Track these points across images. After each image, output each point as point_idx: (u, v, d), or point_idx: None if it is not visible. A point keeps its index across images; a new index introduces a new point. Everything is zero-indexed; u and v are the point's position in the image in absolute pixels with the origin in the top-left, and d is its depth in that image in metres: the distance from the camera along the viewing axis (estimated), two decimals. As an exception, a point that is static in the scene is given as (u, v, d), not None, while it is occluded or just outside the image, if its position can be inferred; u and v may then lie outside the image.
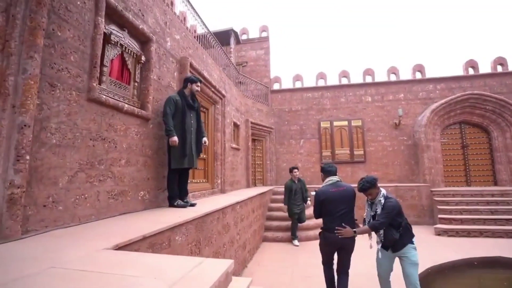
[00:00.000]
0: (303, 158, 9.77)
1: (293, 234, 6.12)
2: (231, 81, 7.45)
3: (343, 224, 2.89)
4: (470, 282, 4.34)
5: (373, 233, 2.97)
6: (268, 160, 9.57)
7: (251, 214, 5.31)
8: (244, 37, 10.85)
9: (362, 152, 9.29)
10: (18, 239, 1.68)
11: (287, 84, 10.56)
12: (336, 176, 3.14)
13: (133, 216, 2.67)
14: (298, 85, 10.30)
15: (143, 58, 3.29)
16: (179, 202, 3.35)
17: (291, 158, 9.82)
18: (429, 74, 9.39)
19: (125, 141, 2.89)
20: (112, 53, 2.86)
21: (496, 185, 8.40)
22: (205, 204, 3.75)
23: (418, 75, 9.46)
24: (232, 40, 9.33)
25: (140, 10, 3.26)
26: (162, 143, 3.54)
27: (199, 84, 3.73)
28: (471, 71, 9.20)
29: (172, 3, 6.76)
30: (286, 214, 6.26)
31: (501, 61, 9.01)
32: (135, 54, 3.20)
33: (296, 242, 6.00)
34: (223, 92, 6.00)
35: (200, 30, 6.48)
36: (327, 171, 3.18)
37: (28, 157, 1.77)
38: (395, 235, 2.72)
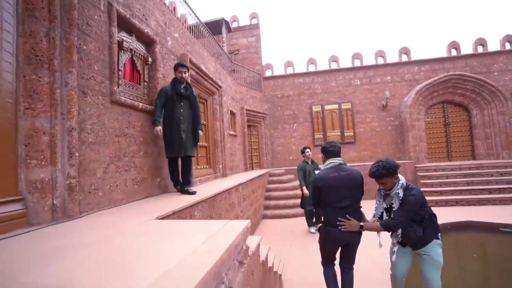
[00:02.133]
0: (296, 141, 10.30)
1: (308, 222, 5.67)
2: (225, 70, 7.77)
3: (347, 216, 2.36)
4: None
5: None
6: (264, 145, 10.08)
7: (251, 195, 5.87)
8: (234, 24, 10.99)
9: (352, 134, 9.86)
10: (78, 218, 2.16)
11: (279, 70, 10.93)
12: (339, 158, 2.56)
13: (154, 199, 3.16)
14: (289, 71, 10.64)
15: (149, 59, 3.65)
16: (178, 187, 3.57)
17: (285, 142, 10.35)
18: (414, 57, 9.86)
19: (142, 135, 3.32)
20: (124, 57, 3.22)
21: (474, 159, 9.14)
22: (211, 187, 4.25)
23: (404, 58, 9.90)
24: (224, 30, 9.51)
25: (143, 14, 3.57)
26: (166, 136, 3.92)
27: (182, 69, 3.52)
28: (453, 52, 9.67)
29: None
30: (282, 193, 6.83)
31: (481, 42, 9.48)
32: (142, 56, 3.56)
33: (312, 229, 5.51)
34: (219, 83, 6.36)
35: (191, 20, 6.71)
36: (328, 152, 2.60)
37: (77, 154, 2.21)
38: (418, 232, 2.17)
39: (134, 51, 3.39)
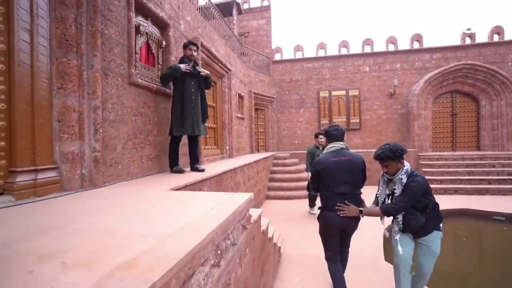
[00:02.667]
0: (302, 126, 10.46)
1: (310, 204, 5.78)
2: (235, 53, 7.85)
3: (346, 201, 2.34)
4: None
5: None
6: (270, 128, 10.28)
7: (256, 175, 6.17)
8: (245, 6, 10.87)
9: (358, 120, 9.95)
10: (102, 186, 2.46)
11: (288, 54, 10.87)
12: (341, 142, 2.50)
13: (166, 175, 3.45)
14: (298, 55, 10.61)
15: (164, 43, 3.83)
16: (178, 168, 3.55)
17: (292, 126, 10.52)
18: (427, 44, 9.66)
19: (156, 115, 3.57)
20: (140, 41, 3.41)
21: (479, 150, 9.19)
22: (218, 166, 4.53)
23: (416, 45, 9.73)
24: (234, 11, 9.45)
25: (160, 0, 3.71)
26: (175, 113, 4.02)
27: (192, 47, 3.59)
28: (468, 41, 9.45)
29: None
30: (286, 175, 7.12)
31: (498, 30, 9.22)
32: (157, 40, 3.74)
33: (312, 210, 5.70)
34: (229, 66, 6.49)
35: (202, 1, 6.75)
36: (330, 135, 2.55)
37: (101, 130, 2.48)
38: (420, 220, 2.14)
39: (150, 35, 3.57)
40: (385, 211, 2.24)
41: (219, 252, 1.28)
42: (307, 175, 5.37)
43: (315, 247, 3.86)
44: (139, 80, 3.19)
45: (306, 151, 5.65)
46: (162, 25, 3.84)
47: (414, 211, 2.17)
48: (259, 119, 10.02)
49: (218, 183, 3.65)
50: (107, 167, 2.66)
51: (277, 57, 10.79)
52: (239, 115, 7.63)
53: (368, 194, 2.79)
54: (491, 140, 9.03)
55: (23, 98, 1.99)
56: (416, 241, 2.28)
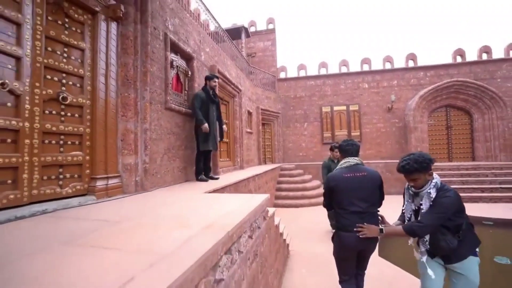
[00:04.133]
0: (306, 139, 11.13)
1: (331, 223, 5.09)
2: (244, 73, 8.66)
3: (365, 224, 2.12)
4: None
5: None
6: (276, 141, 10.97)
7: (265, 185, 6.80)
8: (252, 29, 11.83)
9: (358, 133, 10.59)
10: (149, 191, 3.14)
11: (292, 73, 11.70)
12: (356, 158, 2.35)
13: (193, 183, 4.12)
14: (302, 73, 11.42)
15: (189, 72, 4.60)
16: (202, 177, 4.20)
17: (296, 139, 11.20)
18: (421, 62, 10.42)
19: (183, 133, 4.29)
20: (172, 73, 4.18)
21: (474, 161, 9.71)
22: (232, 176, 5.19)
23: (411, 63, 10.48)
24: (243, 35, 10.38)
25: (186, 37, 4.51)
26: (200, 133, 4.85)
27: (215, 79, 4.43)
28: (459, 59, 10.18)
29: (188, 3, 7.80)
30: (292, 185, 7.70)
31: (486, 50, 9.94)
32: (184, 70, 4.51)
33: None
34: (240, 86, 7.27)
35: (212, 27, 7.60)
36: (344, 151, 2.40)
37: (149, 147, 3.19)
38: (451, 242, 1.83)
39: (179, 67, 4.34)
40: (409, 231, 1.92)
41: (252, 229, 1.94)
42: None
43: (320, 247, 4.45)
44: (172, 105, 3.93)
45: (310, 163, 6.30)
46: (188, 58, 4.62)
47: (445, 231, 1.86)
48: (266, 133, 10.73)
49: (235, 189, 4.31)
50: (150, 176, 3.35)
51: (282, 75, 11.62)
52: (248, 130, 8.35)
53: (385, 208, 2.49)
54: (485, 151, 9.57)
55: (101, 124, 2.72)
56: (449, 268, 1.94)
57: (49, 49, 2.32)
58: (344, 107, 10.74)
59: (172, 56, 4.14)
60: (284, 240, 3.78)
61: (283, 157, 11.14)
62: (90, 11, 2.71)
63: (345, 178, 2.24)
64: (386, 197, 2.44)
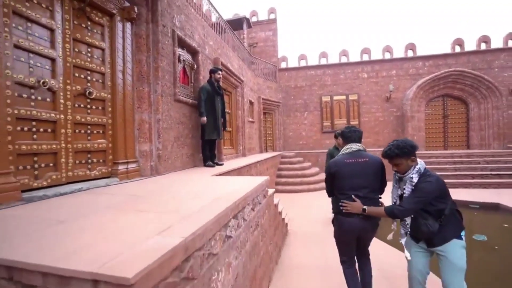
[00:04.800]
0: (306, 128, 11.46)
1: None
2: (245, 64, 8.90)
3: (353, 196, 2.18)
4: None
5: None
6: (277, 130, 11.31)
7: (266, 171, 7.21)
8: (254, 19, 11.94)
9: (357, 122, 10.89)
10: (162, 175, 3.54)
11: (293, 62, 11.92)
12: (359, 144, 2.35)
13: (199, 168, 4.52)
14: (302, 63, 11.62)
15: (195, 66, 4.91)
16: (209, 162, 4.58)
17: (296, 128, 11.53)
18: (420, 52, 10.56)
19: (191, 123, 4.65)
20: (179, 67, 4.49)
21: (469, 149, 10.04)
22: (235, 163, 5.58)
23: (410, 53, 10.64)
24: (245, 26, 10.52)
25: (191, 32, 4.79)
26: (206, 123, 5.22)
27: (219, 72, 4.73)
28: (457, 49, 10.32)
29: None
30: (292, 172, 8.10)
31: (485, 39, 10.07)
32: (190, 64, 4.82)
33: None
34: (242, 77, 7.56)
35: (214, 18, 7.81)
36: (346, 137, 2.41)
37: (162, 135, 3.56)
38: (431, 226, 1.90)
39: (185, 61, 4.65)
40: (389, 213, 2.02)
41: (254, 203, 2.33)
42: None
43: (317, 227, 4.88)
44: (180, 97, 4.27)
45: (310, 151, 6.66)
46: (193, 52, 4.92)
47: (426, 216, 1.92)
48: (267, 122, 11.06)
49: (239, 174, 4.70)
50: (163, 162, 3.74)
51: (283, 65, 11.83)
52: (250, 119, 8.68)
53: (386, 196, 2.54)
54: (479, 139, 9.87)
55: (120, 115, 3.08)
56: (435, 252, 2.00)
57: (76, 50, 2.66)
58: (344, 97, 11.00)
59: (179, 51, 4.44)
60: (283, 219, 4.20)
61: (284, 146, 11.51)
62: (108, 14, 3.02)
63: (347, 164, 2.24)
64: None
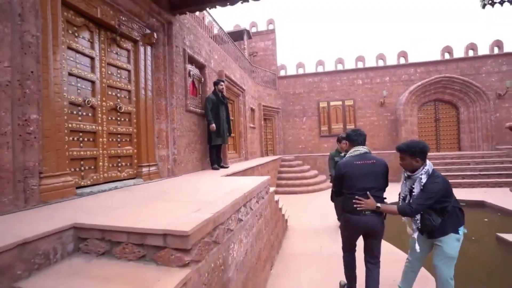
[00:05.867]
0: (305, 132, 12.00)
1: (339, 216, 4.80)
2: (246, 73, 9.48)
3: (368, 193, 2.31)
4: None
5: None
6: (277, 135, 11.85)
7: (267, 173, 7.72)
8: (253, 29, 12.57)
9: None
10: (177, 176, 4.06)
11: (291, 70, 12.50)
12: (365, 147, 2.51)
13: (208, 171, 5.04)
14: (300, 71, 12.21)
15: (202, 79, 5.47)
16: (215, 166, 5.11)
17: (296, 133, 12.07)
18: (411, 59, 11.15)
19: (199, 130, 5.19)
20: (189, 80, 5.05)
21: (460, 151, 10.55)
22: (239, 166, 6.11)
23: (402, 60, 11.22)
24: (245, 37, 11.14)
25: (199, 49, 5.36)
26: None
27: (222, 83, 5.27)
28: (447, 56, 10.90)
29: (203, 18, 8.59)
30: (291, 174, 8.58)
31: (472, 47, 10.65)
32: (198, 77, 5.38)
33: None
34: (243, 86, 8.13)
35: (216, 30, 8.41)
36: (353, 140, 2.57)
37: (176, 142, 4.10)
38: (434, 220, 2.14)
39: (194, 75, 5.21)
40: (401, 211, 2.22)
41: (258, 197, 2.86)
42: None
43: (314, 224, 5.38)
44: (191, 107, 4.82)
45: (309, 154, 7.15)
46: (201, 66, 5.48)
47: (431, 212, 2.15)
48: (267, 127, 11.61)
49: (243, 175, 5.22)
50: (178, 164, 4.27)
51: (282, 73, 12.42)
52: (251, 125, 9.23)
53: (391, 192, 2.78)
54: (469, 141, 10.39)
55: (143, 126, 3.63)
56: (433, 242, 2.27)
57: (109, 72, 3.21)
58: (340, 102, 11.56)
59: (189, 66, 5.00)
60: (283, 215, 4.71)
61: (284, 149, 12.04)
62: (133, 40, 3.58)
63: (356, 165, 2.38)
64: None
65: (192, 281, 1.33)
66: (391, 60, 11.46)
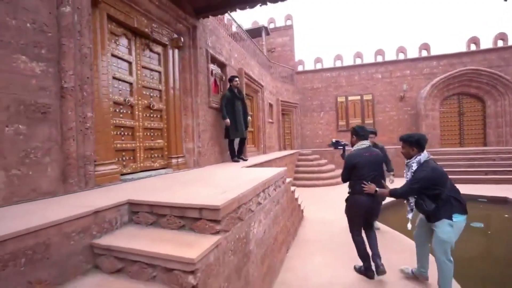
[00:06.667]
0: (323, 127, 12.10)
1: None
2: (264, 69, 9.73)
3: (369, 182, 2.86)
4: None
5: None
6: (295, 130, 12.05)
7: (284, 167, 8.00)
8: (271, 25, 12.74)
9: (372, 121, 11.37)
10: (202, 167, 4.47)
11: (309, 65, 12.56)
12: (367, 141, 3.08)
13: (228, 163, 5.41)
14: (318, 66, 12.26)
15: (223, 77, 5.82)
16: (236, 158, 5.47)
17: (313, 128, 12.20)
18: (434, 52, 10.84)
19: (220, 125, 5.55)
20: (212, 79, 5.42)
21: (486, 146, 10.21)
22: (258, 159, 6.43)
23: (424, 53, 10.95)
24: (263, 34, 11.37)
25: (220, 49, 5.70)
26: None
27: (236, 79, 5.39)
28: (473, 47, 10.49)
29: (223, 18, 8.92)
30: (308, 168, 8.80)
31: (502, 37, 10.18)
32: (220, 76, 5.74)
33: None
34: (262, 83, 8.40)
35: (234, 28, 8.70)
36: (360, 135, 3.10)
37: (201, 136, 4.49)
38: (427, 206, 2.41)
39: (216, 74, 5.57)
40: (392, 192, 2.65)
41: (275, 185, 3.17)
42: None
43: (330, 215, 5.62)
44: (213, 104, 5.19)
45: (327, 149, 7.33)
46: (222, 65, 5.83)
47: (424, 197, 2.43)
48: (285, 122, 11.83)
49: (261, 167, 5.56)
50: (202, 157, 4.68)
51: (300, 68, 12.53)
52: (270, 120, 9.51)
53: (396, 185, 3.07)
54: (496, 136, 10.02)
55: (172, 121, 4.04)
56: (431, 227, 2.55)
57: (143, 74, 3.63)
58: (358, 97, 11.52)
59: (211, 66, 5.36)
60: (299, 205, 5.00)
61: (301, 144, 12.22)
62: (163, 45, 3.98)
63: (365, 156, 2.95)
64: (396, 179, 4.05)
65: (222, 245, 1.68)
66: (412, 53, 11.23)
